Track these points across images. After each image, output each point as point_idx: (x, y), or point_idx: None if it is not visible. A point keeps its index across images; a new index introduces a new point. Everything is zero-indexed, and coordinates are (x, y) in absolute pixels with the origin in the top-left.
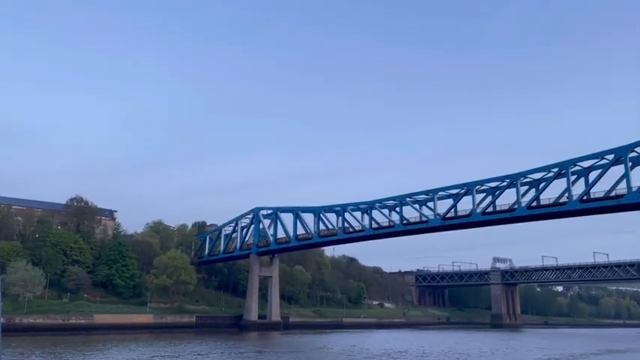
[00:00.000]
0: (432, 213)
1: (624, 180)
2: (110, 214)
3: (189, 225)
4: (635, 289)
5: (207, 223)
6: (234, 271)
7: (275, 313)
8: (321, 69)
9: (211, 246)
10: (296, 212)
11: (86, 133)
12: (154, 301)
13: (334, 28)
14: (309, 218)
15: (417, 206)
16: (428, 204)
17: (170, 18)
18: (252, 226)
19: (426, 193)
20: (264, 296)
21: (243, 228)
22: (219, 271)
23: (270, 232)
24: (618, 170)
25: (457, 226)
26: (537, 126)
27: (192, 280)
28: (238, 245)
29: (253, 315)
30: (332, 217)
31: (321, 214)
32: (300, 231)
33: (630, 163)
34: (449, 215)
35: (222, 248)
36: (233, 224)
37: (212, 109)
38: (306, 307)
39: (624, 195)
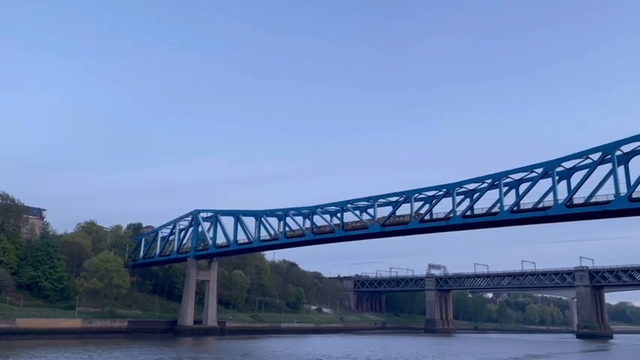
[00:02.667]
0: (372, 219)
1: (551, 193)
2: (38, 212)
3: (124, 226)
4: (558, 297)
5: (144, 225)
6: (170, 275)
7: (211, 319)
8: (262, 68)
9: (147, 248)
10: (237, 216)
11: (11, 129)
12: (84, 305)
13: (273, 26)
14: (250, 222)
15: (357, 212)
16: (368, 210)
17: (112, 17)
18: (191, 229)
19: (367, 199)
20: (200, 301)
21: (181, 231)
22: (155, 274)
23: (210, 235)
24: (547, 183)
25: (395, 232)
26: (471, 141)
27: (125, 284)
28: (176, 248)
29: (189, 320)
30: (273, 221)
31: (262, 219)
32: (241, 235)
33: (557, 177)
34: (388, 222)
35: (158, 251)
36: (171, 227)
37: (152, 110)
38: (244, 311)
39: (550, 207)
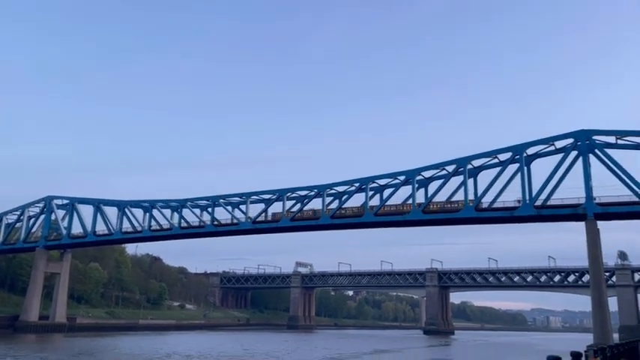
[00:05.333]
0: (244, 216)
1: (411, 198)
2: None
3: None
4: (410, 295)
5: None
6: (13, 266)
7: (60, 314)
8: (127, 45)
9: None
10: (97, 205)
11: None
12: None
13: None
14: (112, 212)
15: (229, 208)
16: (240, 206)
17: None
18: (43, 217)
19: (240, 195)
20: (49, 295)
21: (31, 218)
22: None
23: (64, 224)
24: (407, 190)
25: (266, 230)
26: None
27: None
28: (22, 237)
29: (33, 315)
30: (138, 212)
31: (126, 209)
32: (101, 225)
33: (417, 185)
34: (260, 219)
35: (1, 239)
36: (18, 212)
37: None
38: (99, 307)
39: (409, 212)
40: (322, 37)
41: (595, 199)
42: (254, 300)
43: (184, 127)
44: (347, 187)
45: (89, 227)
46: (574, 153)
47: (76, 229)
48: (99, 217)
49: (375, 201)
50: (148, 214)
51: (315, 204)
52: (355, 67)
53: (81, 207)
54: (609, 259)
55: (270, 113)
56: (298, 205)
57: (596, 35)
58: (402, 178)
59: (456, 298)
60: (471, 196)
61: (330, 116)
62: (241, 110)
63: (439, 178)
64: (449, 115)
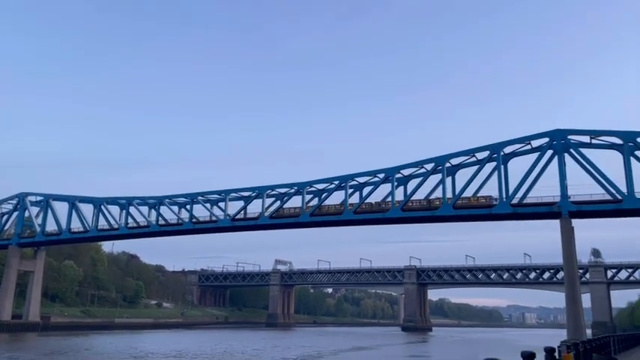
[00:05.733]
0: (223, 213)
1: (390, 197)
2: None
3: None
4: (389, 293)
5: None
6: None
7: (33, 313)
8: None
9: None
10: (72, 202)
11: None
12: None
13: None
14: (87, 209)
15: (208, 205)
16: (219, 204)
17: None
18: (16, 214)
19: (219, 193)
20: (22, 293)
21: (3, 215)
22: None
23: (38, 221)
24: (387, 187)
25: (245, 227)
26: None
27: None
28: None
29: (6, 314)
30: (115, 210)
31: (102, 206)
32: (76, 223)
33: (396, 183)
34: (238, 217)
35: None
36: None
37: None
38: (74, 306)
39: (389, 209)
40: (322, 37)
41: (570, 197)
42: (233, 298)
43: (171, 126)
44: (327, 184)
45: (64, 224)
46: (550, 152)
47: (51, 226)
48: (74, 214)
49: (355, 199)
50: (124, 211)
51: (295, 202)
52: (355, 67)
53: (56, 204)
54: (583, 256)
55: (270, 113)
56: (278, 203)
57: (593, 34)
58: (382, 175)
59: (433, 295)
60: (449, 194)
61: (330, 116)
62: (239, 110)
63: (418, 176)
64: (449, 115)
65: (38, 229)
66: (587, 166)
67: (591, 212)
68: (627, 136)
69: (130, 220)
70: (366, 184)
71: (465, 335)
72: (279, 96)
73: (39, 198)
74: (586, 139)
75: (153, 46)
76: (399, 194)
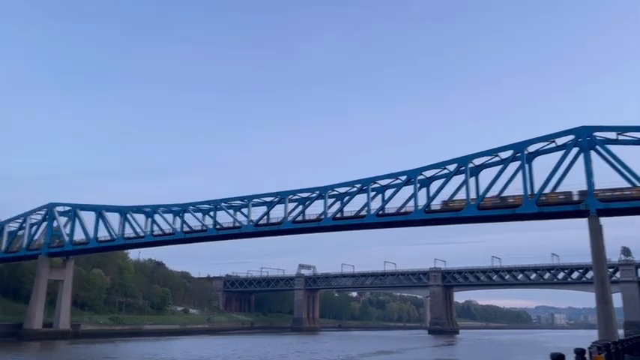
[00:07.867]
0: (246, 219)
1: (413, 199)
2: None
3: None
4: (414, 295)
5: None
6: (17, 274)
7: (64, 322)
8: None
9: None
10: (99, 211)
11: None
12: None
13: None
14: (114, 218)
15: (231, 211)
16: (242, 210)
17: None
18: (45, 224)
19: (241, 199)
20: (52, 302)
21: (33, 225)
22: None
23: (67, 231)
24: (409, 190)
25: (269, 232)
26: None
27: None
28: (25, 244)
29: (37, 323)
30: (140, 218)
31: (128, 215)
32: (103, 232)
33: (419, 185)
34: (262, 222)
35: (4, 247)
36: (20, 220)
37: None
38: (102, 313)
39: (411, 212)
40: (323, 36)
41: (597, 195)
42: (258, 303)
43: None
44: (348, 188)
45: (91, 233)
46: (575, 149)
47: (79, 235)
48: (101, 223)
49: (377, 201)
50: (150, 219)
51: (317, 207)
52: (356, 67)
53: (83, 213)
54: (613, 255)
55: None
56: (300, 207)
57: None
58: (404, 178)
59: (459, 297)
60: (473, 195)
61: (333, 116)
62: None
63: (440, 177)
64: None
65: (67, 238)
66: (615, 162)
67: (619, 210)
68: None
69: (155, 227)
70: (387, 186)
71: (493, 337)
72: (299, 109)
73: (67, 208)
74: (612, 135)
75: (182, 69)
76: (422, 196)
